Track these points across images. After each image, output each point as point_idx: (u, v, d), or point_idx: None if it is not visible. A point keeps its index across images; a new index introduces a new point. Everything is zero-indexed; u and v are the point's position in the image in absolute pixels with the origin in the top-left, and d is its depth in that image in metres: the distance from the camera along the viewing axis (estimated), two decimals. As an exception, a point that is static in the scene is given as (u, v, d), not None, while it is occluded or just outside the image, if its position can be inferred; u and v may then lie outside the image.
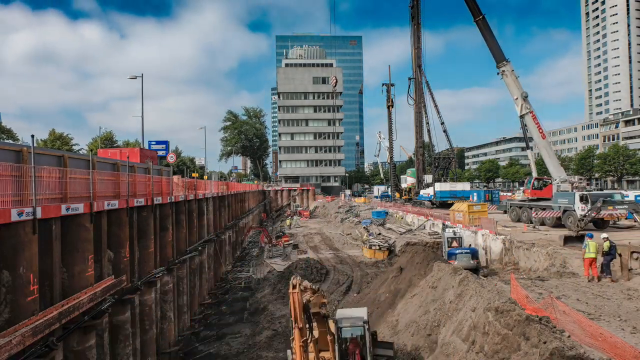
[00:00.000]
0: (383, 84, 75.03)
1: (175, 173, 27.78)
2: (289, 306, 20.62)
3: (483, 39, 34.18)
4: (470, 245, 27.83)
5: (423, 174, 66.30)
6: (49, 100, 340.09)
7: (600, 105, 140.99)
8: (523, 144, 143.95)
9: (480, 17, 33.91)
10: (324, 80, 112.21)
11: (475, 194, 52.84)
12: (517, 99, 32.85)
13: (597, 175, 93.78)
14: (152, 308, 17.08)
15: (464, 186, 59.78)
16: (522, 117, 33.12)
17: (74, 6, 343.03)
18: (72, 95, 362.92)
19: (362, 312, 12.44)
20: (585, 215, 24.21)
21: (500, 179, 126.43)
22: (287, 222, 67.58)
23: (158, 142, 44.06)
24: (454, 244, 26.19)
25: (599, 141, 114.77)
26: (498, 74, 33.70)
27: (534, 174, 39.05)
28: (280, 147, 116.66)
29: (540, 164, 58.95)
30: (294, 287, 10.17)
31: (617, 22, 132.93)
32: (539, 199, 34.47)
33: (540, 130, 32.51)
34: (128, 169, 16.49)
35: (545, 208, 31.10)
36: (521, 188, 60.24)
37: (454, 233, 27.23)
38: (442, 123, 65.87)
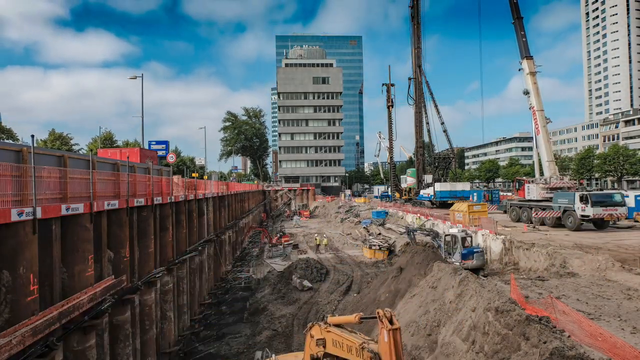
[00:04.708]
0: (383, 84, 75.06)
1: (175, 173, 27.76)
2: (289, 308, 20.48)
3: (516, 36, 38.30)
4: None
5: (423, 174, 66.31)
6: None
7: (600, 105, 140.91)
8: (523, 144, 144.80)
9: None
10: (324, 80, 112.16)
11: (475, 194, 52.87)
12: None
13: (597, 175, 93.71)
14: (152, 308, 17.07)
15: (464, 186, 59.75)
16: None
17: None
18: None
19: None
20: None
21: (500, 179, 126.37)
22: (293, 222, 68.73)
23: (158, 142, 44.01)
24: (466, 243, 26.38)
25: (599, 141, 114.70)
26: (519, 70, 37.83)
27: (537, 174, 39.17)
28: (280, 147, 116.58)
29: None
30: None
31: (617, 22, 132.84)
32: (521, 200, 36.12)
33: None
34: (128, 169, 16.47)
35: (545, 208, 31.16)
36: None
37: (465, 233, 27.32)
38: (442, 123, 65.86)
